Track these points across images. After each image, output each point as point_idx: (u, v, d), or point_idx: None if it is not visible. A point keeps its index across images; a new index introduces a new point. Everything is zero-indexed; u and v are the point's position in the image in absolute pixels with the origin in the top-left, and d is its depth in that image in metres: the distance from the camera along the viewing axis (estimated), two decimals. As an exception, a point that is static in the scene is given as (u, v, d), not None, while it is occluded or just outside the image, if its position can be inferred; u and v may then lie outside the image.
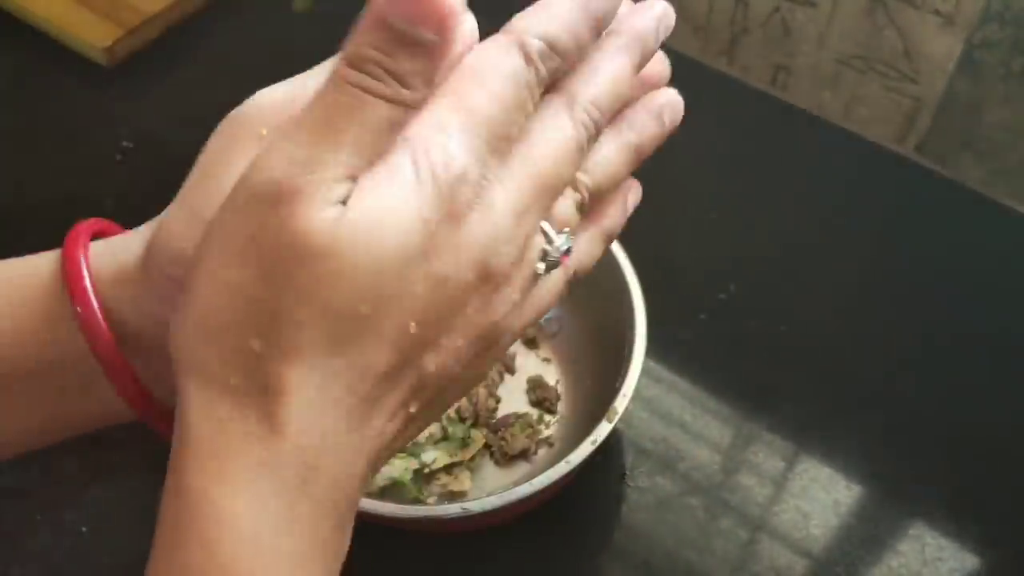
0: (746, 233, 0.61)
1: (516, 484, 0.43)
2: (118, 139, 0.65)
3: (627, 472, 0.52)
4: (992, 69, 0.59)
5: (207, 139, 0.29)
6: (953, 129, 0.64)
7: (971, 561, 0.49)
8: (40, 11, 0.71)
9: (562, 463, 0.43)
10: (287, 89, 0.29)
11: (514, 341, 0.30)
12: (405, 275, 0.25)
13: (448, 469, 0.50)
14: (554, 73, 0.27)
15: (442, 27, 0.24)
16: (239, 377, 0.24)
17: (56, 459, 0.52)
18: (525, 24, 0.27)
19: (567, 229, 0.29)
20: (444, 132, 0.25)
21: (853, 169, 0.66)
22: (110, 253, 0.30)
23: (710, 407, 0.54)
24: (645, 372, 0.46)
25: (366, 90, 0.24)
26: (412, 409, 0.27)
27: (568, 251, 0.29)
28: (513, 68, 0.26)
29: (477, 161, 0.26)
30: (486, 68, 0.26)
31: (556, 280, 0.29)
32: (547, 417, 0.53)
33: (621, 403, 0.45)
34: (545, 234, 0.28)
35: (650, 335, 0.47)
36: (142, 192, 0.53)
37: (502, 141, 0.26)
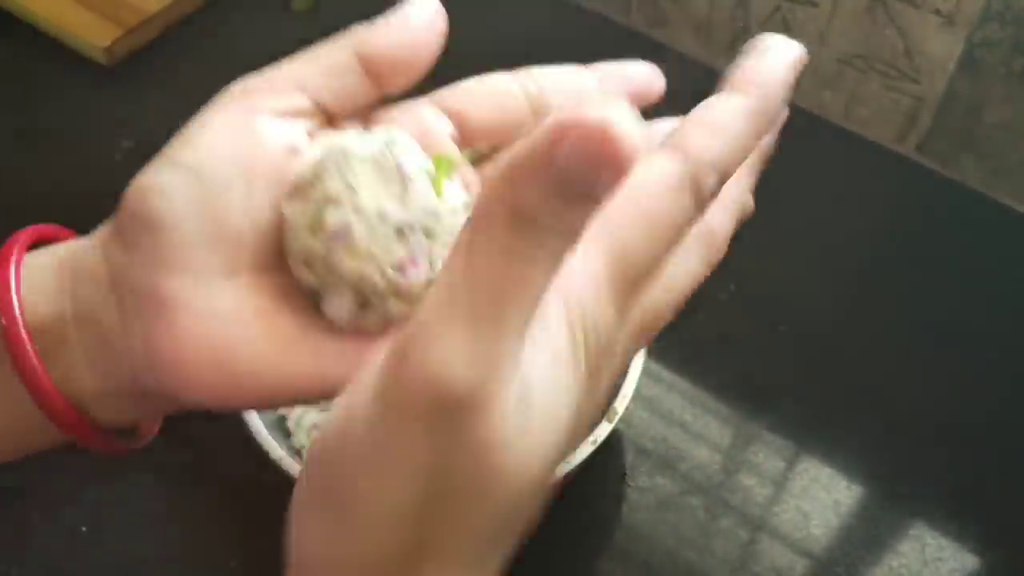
0: (746, 233, 0.61)
1: (516, 484, 0.43)
2: (118, 139, 0.65)
3: (627, 472, 0.52)
4: (993, 69, 0.59)
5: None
6: (953, 129, 0.64)
7: (971, 561, 0.49)
8: (40, 11, 0.71)
9: (562, 463, 0.43)
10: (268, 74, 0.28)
11: None
12: (549, 444, 0.21)
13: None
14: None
15: (620, 173, 0.17)
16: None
17: (56, 459, 0.52)
18: (702, 148, 0.23)
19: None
20: (596, 286, 0.22)
21: (853, 169, 0.65)
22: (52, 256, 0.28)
23: (710, 407, 0.54)
24: (645, 372, 0.46)
25: (536, 254, 0.18)
26: None
27: None
28: (683, 211, 0.22)
29: (619, 314, 0.22)
30: (652, 207, 0.22)
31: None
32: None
33: (621, 403, 0.45)
34: None
35: (650, 335, 0.47)
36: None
37: (644, 279, 0.23)
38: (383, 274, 0.25)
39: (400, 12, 0.27)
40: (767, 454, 0.52)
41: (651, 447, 0.52)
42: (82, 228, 0.30)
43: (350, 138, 0.26)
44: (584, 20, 0.72)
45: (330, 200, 0.25)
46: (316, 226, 0.25)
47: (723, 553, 0.49)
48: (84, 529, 0.50)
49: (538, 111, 0.28)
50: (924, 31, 0.60)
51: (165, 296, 0.25)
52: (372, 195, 0.25)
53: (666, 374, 0.55)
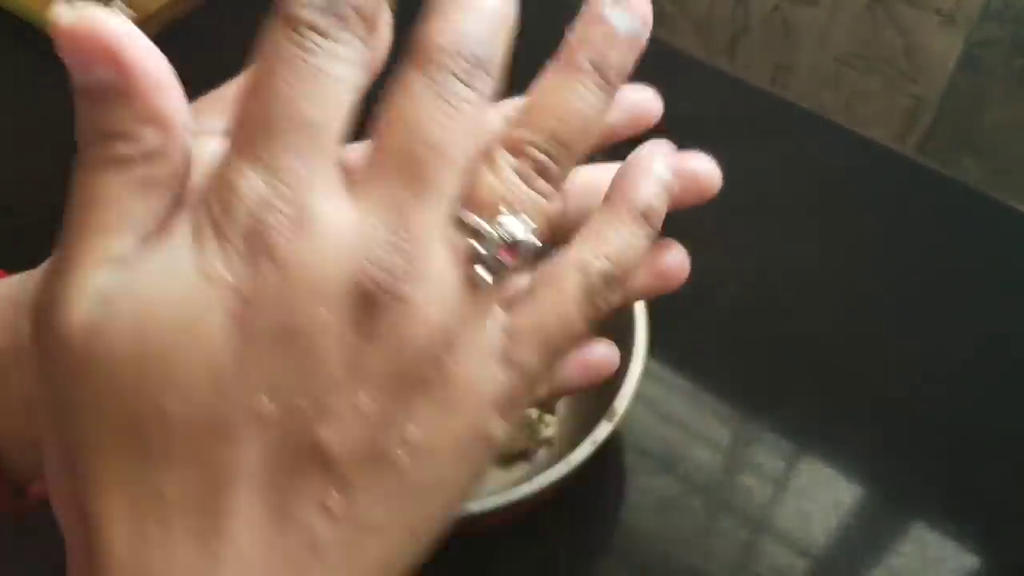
0: (746, 232, 0.61)
1: (516, 484, 0.43)
2: (117, 138, 0.65)
3: (627, 472, 0.51)
4: (992, 67, 0.59)
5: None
6: (954, 128, 0.64)
7: (972, 562, 0.49)
8: (40, 10, 0.71)
9: (562, 463, 0.43)
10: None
11: (486, 373, 0.23)
12: (216, 346, 0.20)
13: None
14: None
15: (114, 59, 0.20)
16: (69, 526, 0.21)
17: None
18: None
19: (511, 212, 0.22)
20: (224, 171, 0.21)
21: (853, 168, 0.65)
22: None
23: (711, 407, 0.54)
24: (645, 372, 0.46)
25: (87, 166, 0.21)
26: (332, 505, 0.21)
27: (516, 242, 0.22)
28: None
29: (268, 174, 0.20)
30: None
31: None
32: (547, 417, 0.52)
33: (621, 403, 0.45)
34: (466, 225, 0.22)
35: (651, 335, 0.47)
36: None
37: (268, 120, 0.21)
38: None
39: None
40: (767, 454, 0.52)
41: (651, 447, 0.52)
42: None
43: None
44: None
45: None
46: None
47: (723, 553, 0.49)
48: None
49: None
50: (924, 30, 0.60)
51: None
52: None
53: (666, 374, 0.55)
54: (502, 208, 0.22)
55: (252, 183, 0.20)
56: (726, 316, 0.57)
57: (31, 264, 0.29)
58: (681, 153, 0.27)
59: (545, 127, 0.23)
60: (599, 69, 0.24)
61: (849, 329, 0.58)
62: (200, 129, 0.23)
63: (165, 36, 0.72)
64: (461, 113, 0.22)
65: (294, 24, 0.21)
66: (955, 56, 0.60)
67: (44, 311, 0.21)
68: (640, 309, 0.48)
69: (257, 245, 0.20)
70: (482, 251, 0.22)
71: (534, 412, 0.53)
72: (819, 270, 0.61)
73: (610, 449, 0.51)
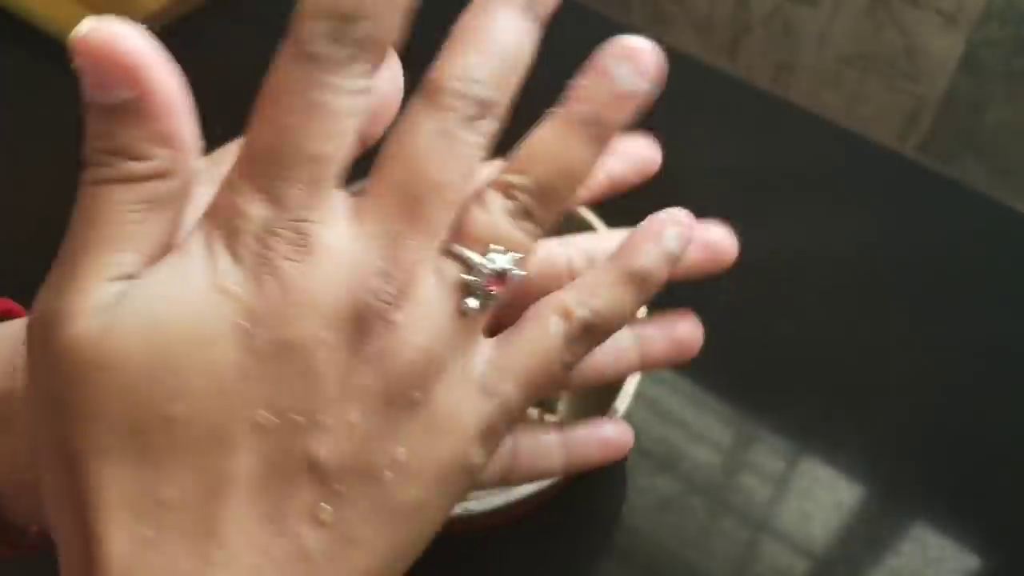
0: (747, 232, 0.61)
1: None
2: (118, 138, 0.65)
3: (627, 472, 0.51)
4: (993, 68, 0.59)
5: (207, 137, 0.29)
6: (955, 128, 0.64)
7: (973, 562, 0.49)
8: (40, 10, 0.71)
9: (562, 463, 0.43)
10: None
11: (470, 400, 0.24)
12: (222, 357, 0.21)
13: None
14: None
15: (134, 80, 0.21)
16: (65, 533, 0.21)
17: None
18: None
19: (498, 248, 0.24)
20: (232, 187, 0.22)
21: (854, 169, 0.65)
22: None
23: (711, 407, 0.54)
24: (646, 372, 0.46)
25: (96, 182, 0.22)
26: (322, 515, 0.22)
27: (504, 274, 0.24)
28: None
29: (274, 203, 0.21)
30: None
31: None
32: (547, 417, 0.52)
33: (621, 403, 0.45)
34: (457, 257, 0.23)
35: (651, 335, 0.47)
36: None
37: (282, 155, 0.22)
38: None
39: None
40: (768, 454, 0.52)
41: (651, 447, 0.52)
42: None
43: None
44: (583, 19, 0.72)
45: None
46: None
47: (724, 553, 0.49)
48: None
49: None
50: (925, 31, 0.60)
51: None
52: None
53: (667, 374, 0.55)
54: (492, 244, 0.24)
55: (259, 211, 0.21)
56: (726, 316, 0.57)
57: (27, 264, 0.29)
58: (700, 224, 0.29)
59: (534, 173, 0.24)
60: (595, 125, 0.25)
61: (849, 329, 0.58)
62: (212, 177, 0.24)
63: (165, 37, 0.72)
64: (462, 155, 0.23)
65: (305, 54, 0.22)
66: (956, 57, 0.60)
67: (48, 319, 0.21)
68: (640, 310, 0.48)
69: (263, 266, 0.21)
70: (471, 281, 0.23)
71: (534, 412, 0.53)
72: (819, 270, 0.61)
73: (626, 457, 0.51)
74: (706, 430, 0.53)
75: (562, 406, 0.53)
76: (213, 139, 0.28)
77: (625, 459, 0.52)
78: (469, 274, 0.23)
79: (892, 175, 0.65)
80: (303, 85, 0.22)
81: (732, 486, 0.51)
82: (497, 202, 0.24)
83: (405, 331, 0.22)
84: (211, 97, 0.27)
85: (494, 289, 0.23)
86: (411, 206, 0.22)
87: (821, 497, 0.51)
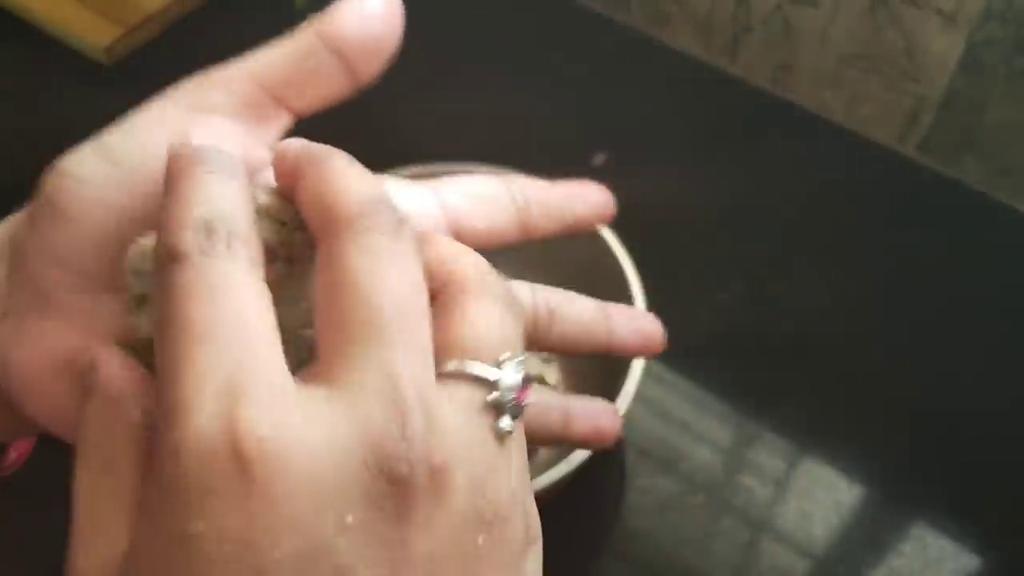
0: (747, 232, 0.61)
1: (516, 484, 0.43)
2: (118, 138, 0.65)
3: (627, 472, 0.51)
4: (994, 68, 0.59)
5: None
6: (955, 128, 0.63)
7: (973, 562, 0.49)
8: (40, 10, 0.71)
9: (562, 463, 0.43)
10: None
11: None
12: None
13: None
14: None
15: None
16: None
17: (56, 457, 0.52)
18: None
19: (507, 355, 0.21)
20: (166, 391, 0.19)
21: (854, 168, 0.65)
22: None
23: (711, 407, 0.54)
24: (646, 372, 0.46)
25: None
26: None
27: (526, 382, 0.21)
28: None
29: (219, 401, 0.19)
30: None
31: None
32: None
33: (622, 403, 0.45)
34: (465, 375, 0.21)
35: (651, 335, 0.47)
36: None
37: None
38: None
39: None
40: (768, 454, 0.52)
41: (651, 447, 0.52)
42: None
43: None
44: (584, 19, 0.72)
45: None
46: (141, 302, 0.23)
47: (724, 554, 0.49)
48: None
49: (524, 225, 0.30)
50: (925, 30, 0.60)
51: (44, 287, 0.23)
52: None
53: (667, 374, 0.55)
54: (505, 353, 0.21)
55: (202, 408, 0.19)
56: (726, 316, 0.57)
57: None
58: (629, 313, 0.32)
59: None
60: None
61: (849, 329, 0.58)
62: (239, 105, 0.25)
63: (166, 37, 0.72)
64: (403, 266, 0.20)
65: (179, 256, 0.20)
66: (956, 56, 0.60)
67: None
68: (640, 308, 0.48)
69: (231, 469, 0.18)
70: (500, 398, 0.20)
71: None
72: (819, 270, 0.61)
73: (610, 449, 0.51)
74: (705, 430, 0.53)
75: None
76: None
77: (624, 458, 0.52)
78: (492, 391, 0.20)
79: (892, 174, 0.65)
80: (194, 286, 0.20)
81: (732, 486, 0.51)
82: (502, 309, 0.22)
83: (448, 471, 0.19)
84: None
85: (524, 398, 0.21)
86: (382, 331, 0.19)
87: (821, 497, 0.51)
